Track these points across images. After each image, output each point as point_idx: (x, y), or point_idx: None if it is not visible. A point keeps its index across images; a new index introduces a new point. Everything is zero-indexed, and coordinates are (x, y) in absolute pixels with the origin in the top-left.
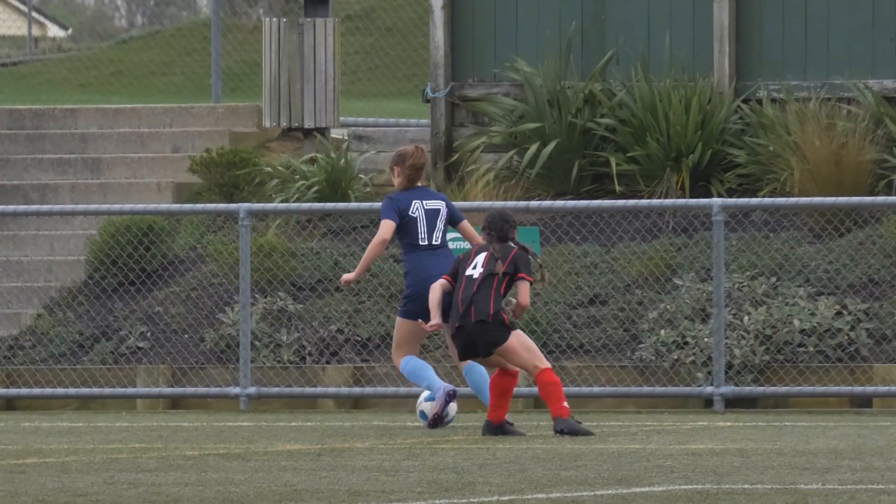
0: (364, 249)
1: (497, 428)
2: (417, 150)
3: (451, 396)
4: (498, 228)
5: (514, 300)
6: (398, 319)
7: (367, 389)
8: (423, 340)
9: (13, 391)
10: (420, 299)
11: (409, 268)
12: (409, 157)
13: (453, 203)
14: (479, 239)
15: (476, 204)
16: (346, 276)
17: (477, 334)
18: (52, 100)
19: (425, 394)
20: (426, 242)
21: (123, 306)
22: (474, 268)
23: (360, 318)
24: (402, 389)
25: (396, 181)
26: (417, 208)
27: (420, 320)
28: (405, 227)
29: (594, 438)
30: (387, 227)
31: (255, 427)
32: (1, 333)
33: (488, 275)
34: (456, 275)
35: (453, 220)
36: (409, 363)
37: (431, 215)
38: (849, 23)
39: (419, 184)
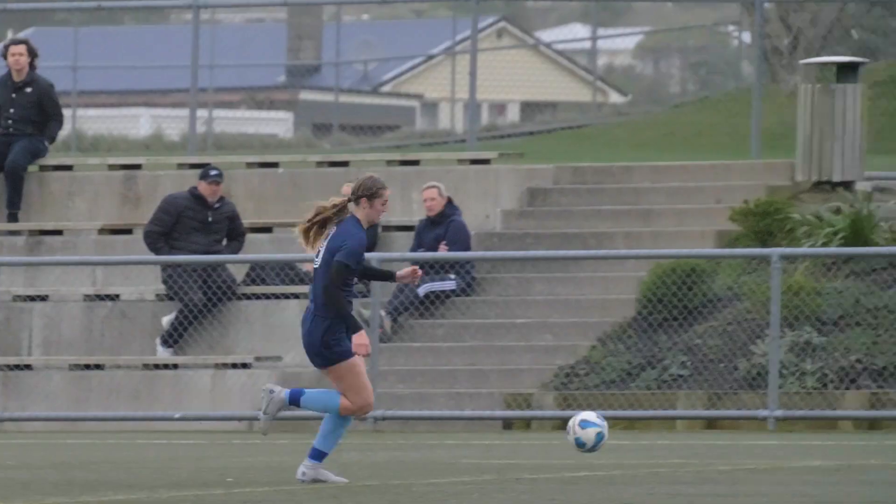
0: (882, 289)
1: None
2: None
3: None
4: None
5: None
6: None
7: (882, 412)
8: None
9: (569, 413)
10: None
11: None
12: None
13: None
14: None
15: None
16: None
17: None
18: (610, 158)
19: None
20: None
21: (667, 339)
22: None
23: (878, 349)
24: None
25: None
26: None
27: None
28: None
29: None
30: None
31: (781, 445)
32: (559, 362)
33: None
34: None
35: None
36: None
37: None
38: None
39: None
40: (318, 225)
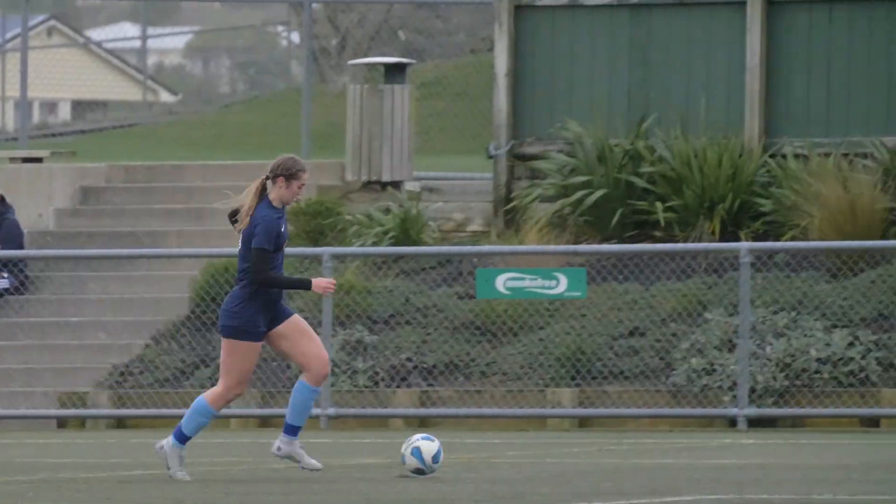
0: (431, 288)
1: None
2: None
3: None
4: None
5: None
6: None
7: (433, 410)
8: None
9: (123, 412)
10: None
11: None
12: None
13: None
14: None
15: (531, 248)
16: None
17: None
18: (162, 157)
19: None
20: None
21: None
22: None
23: (427, 348)
24: (463, 410)
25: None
26: None
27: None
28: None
29: (632, 453)
30: None
31: (334, 444)
32: (114, 361)
33: None
34: None
35: None
36: None
37: None
38: (867, 85)
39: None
40: (248, 213)
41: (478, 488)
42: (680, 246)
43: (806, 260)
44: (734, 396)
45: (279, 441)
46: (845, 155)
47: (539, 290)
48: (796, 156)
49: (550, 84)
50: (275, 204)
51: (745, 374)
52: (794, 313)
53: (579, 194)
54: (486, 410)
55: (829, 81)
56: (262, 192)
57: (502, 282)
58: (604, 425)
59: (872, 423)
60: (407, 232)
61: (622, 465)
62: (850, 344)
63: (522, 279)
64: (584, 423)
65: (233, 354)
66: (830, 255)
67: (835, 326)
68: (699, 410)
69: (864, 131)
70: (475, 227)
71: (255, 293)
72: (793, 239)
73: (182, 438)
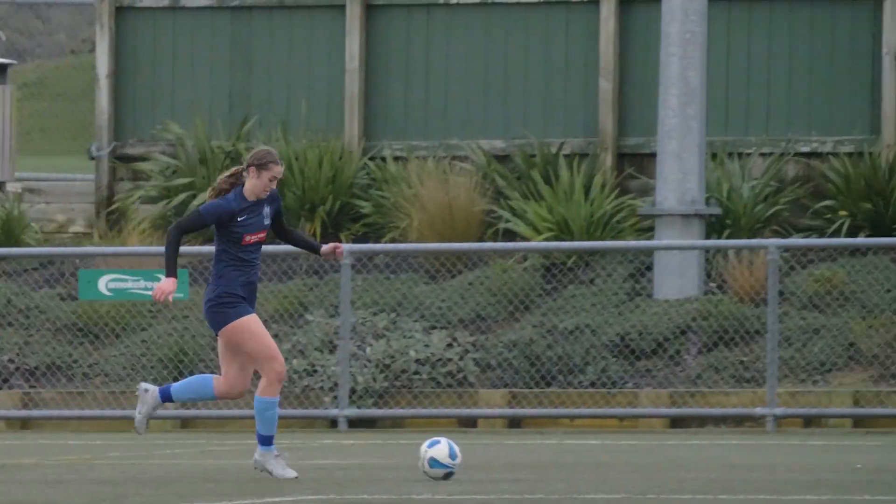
0: (34, 289)
1: None
2: None
3: None
4: None
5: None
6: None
7: (35, 412)
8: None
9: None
10: None
11: None
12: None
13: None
14: None
15: (133, 249)
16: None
17: None
18: None
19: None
20: None
21: None
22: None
23: (30, 349)
24: (66, 412)
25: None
26: None
27: None
28: None
29: (233, 454)
30: None
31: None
32: None
33: None
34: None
35: None
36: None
37: None
38: (465, 90)
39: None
40: (217, 195)
41: (80, 490)
42: (281, 248)
43: (405, 262)
44: (335, 397)
45: None
46: (444, 157)
47: (141, 292)
48: (396, 158)
49: (153, 85)
50: (247, 195)
51: (345, 375)
52: (393, 315)
53: (182, 196)
54: (87, 412)
55: (428, 85)
56: (235, 180)
57: (104, 283)
58: (206, 426)
59: (470, 423)
60: (9, 233)
61: (224, 465)
62: (449, 345)
63: (125, 280)
64: (186, 424)
65: (241, 341)
66: (429, 257)
67: (433, 328)
68: (300, 411)
69: (461, 135)
70: (77, 228)
71: (223, 271)
72: (392, 241)
73: (268, 441)
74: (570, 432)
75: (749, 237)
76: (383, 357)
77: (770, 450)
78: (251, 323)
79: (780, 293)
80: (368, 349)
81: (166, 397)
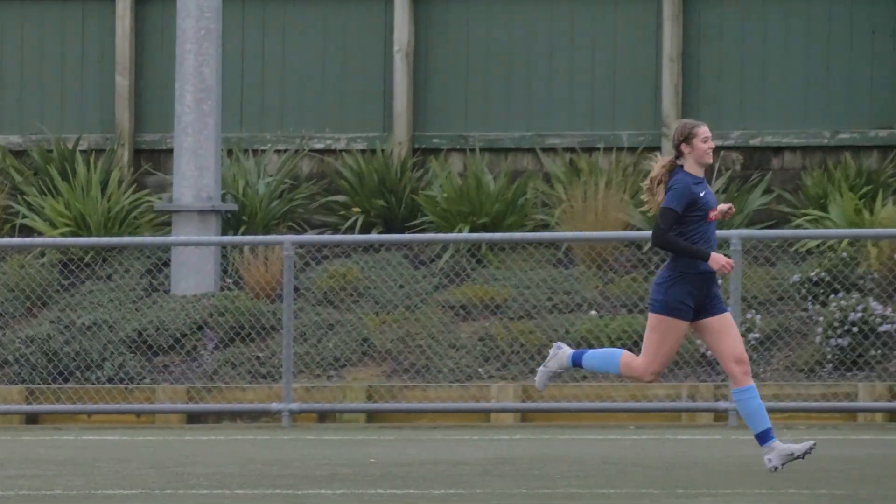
0: None
1: None
2: None
3: None
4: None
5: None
6: None
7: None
8: None
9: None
10: None
11: None
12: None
13: None
14: None
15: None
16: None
17: None
18: None
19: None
20: None
21: None
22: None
23: None
24: None
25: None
26: None
27: None
28: None
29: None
30: None
31: None
32: None
33: None
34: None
35: None
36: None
37: None
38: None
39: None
40: (656, 184)
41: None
42: None
43: None
44: None
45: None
46: None
47: None
48: None
49: None
50: (689, 170)
51: None
52: None
53: None
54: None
55: None
56: (670, 170)
57: None
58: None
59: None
60: None
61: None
62: None
63: None
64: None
65: (655, 330)
66: None
67: None
68: None
69: None
70: None
71: (683, 272)
72: None
73: (578, 361)
74: (88, 428)
75: (265, 233)
76: None
77: (286, 445)
78: (675, 329)
79: (296, 289)
80: None
81: (577, 361)
